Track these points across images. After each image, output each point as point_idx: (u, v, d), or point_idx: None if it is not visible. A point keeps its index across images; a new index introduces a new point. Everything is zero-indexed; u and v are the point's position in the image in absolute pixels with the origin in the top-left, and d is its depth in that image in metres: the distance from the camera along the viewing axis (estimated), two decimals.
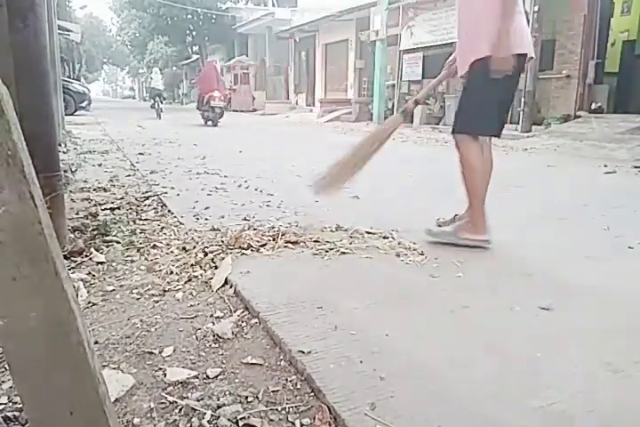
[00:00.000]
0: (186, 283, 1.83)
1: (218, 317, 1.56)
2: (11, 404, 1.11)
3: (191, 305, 1.65)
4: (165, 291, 1.76)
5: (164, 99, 16.32)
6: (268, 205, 3.03)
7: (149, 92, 16.11)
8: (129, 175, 4.17)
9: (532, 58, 2.18)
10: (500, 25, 1.98)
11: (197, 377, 1.22)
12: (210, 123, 11.10)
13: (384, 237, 2.35)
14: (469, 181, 2.19)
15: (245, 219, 2.68)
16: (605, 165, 5.11)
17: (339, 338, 1.39)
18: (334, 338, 1.39)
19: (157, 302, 1.68)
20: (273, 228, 2.44)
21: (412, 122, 11.57)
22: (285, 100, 19.85)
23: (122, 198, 3.13)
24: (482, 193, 2.22)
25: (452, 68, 2.34)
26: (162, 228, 2.48)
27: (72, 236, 2.20)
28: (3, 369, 1.24)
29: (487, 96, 2.14)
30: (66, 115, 9.29)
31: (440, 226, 2.44)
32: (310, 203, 3.09)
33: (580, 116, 8.60)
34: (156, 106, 13.73)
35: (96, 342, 1.38)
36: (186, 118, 13.96)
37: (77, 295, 1.68)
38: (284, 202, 3.11)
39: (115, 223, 2.44)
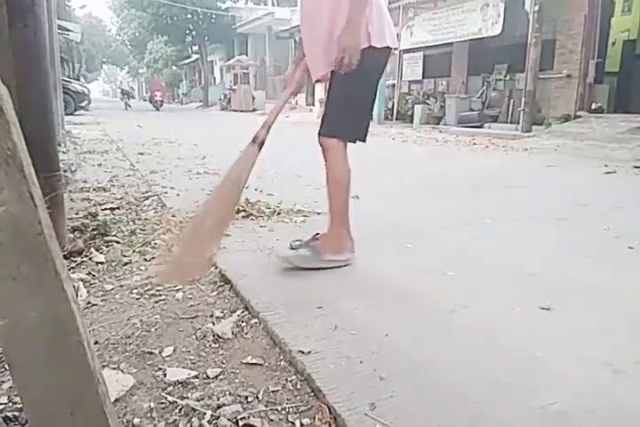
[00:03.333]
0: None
1: (218, 317, 1.56)
2: (11, 404, 1.11)
3: (191, 305, 1.65)
4: (165, 291, 1.76)
5: (131, 96, 24.71)
6: (268, 207, 3.03)
7: (121, 91, 25.50)
8: (129, 175, 4.17)
9: (395, 48, 1.93)
10: (351, 10, 1.71)
11: (197, 377, 1.22)
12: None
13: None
14: (340, 192, 1.96)
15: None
16: (606, 165, 5.10)
17: (339, 338, 1.39)
18: (334, 338, 1.39)
19: (157, 302, 1.68)
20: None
21: (412, 122, 11.57)
22: None
23: (122, 198, 3.13)
24: (347, 206, 1.97)
25: (296, 83, 1.99)
26: (161, 228, 2.48)
27: (72, 236, 2.20)
28: (3, 369, 1.24)
29: (363, 95, 1.91)
30: (66, 115, 9.29)
31: (294, 248, 2.03)
32: (310, 203, 3.09)
33: (580, 116, 8.59)
34: (125, 100, 22.90)
35: (96, 342, 1.38)
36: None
37: (77, 295, 1.68)
38: (283, 202, 3.10)
39: (115, 223, 2.44)
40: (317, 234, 2.04)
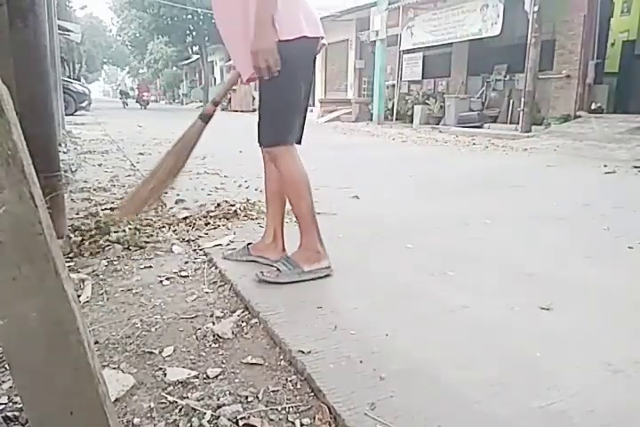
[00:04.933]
0: (186, 282, 1.83)
1: (218, 317, 1.56)
2: (11, 404, 1.11)
3: (191, 305, 1.65)
4: (166, 291, 1.76)
5: (129, 96, 27.81)
6: None
7: (119, 92, 29.11)
8: (129, 175, 4.17)
9: (323, 45, 1.81)
10: (258, 8, 1.59)
11: (197, 377, 1.22)
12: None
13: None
14: (303, 200, 1.80)
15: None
16: (605, 165, 5.11)
17: (339, 338, 1.39)
18: (334, 338, 1.39)
19: (157, 301, 1.68)
20: None
21: (411, 122, 11.57)
22: None
23: (122, 198, 3.13)
24: (313, 210, 1.82)
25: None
26: (161, 227, 2.48)
27: (72, 236, 2.20)
28: (3, 369, 1.24)
29: (290, 92, 1.73)
30: (66, 115, 9.29)
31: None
32: None
33: (579, 117, 8.60)
34: (123, 100, 26.07)
35: (96, 342, 1.38)
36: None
37: (82, 295, 1.68)
38: None
39: (115, 223, 2.43)
40: (250, 244, 2.02)
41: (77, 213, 2.67)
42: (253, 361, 1.29)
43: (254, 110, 19.32)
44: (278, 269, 1.79)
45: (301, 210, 1.81)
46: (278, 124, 1.76)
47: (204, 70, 25.86)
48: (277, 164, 1.78)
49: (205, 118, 1.90)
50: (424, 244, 2.32)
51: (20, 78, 1.85)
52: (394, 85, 12.77)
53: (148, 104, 24.83)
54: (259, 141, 1.79)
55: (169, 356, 1.33)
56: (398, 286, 1.80)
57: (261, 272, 1.80)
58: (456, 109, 10.41)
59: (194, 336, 1.44)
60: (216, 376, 1.23)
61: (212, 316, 1.57)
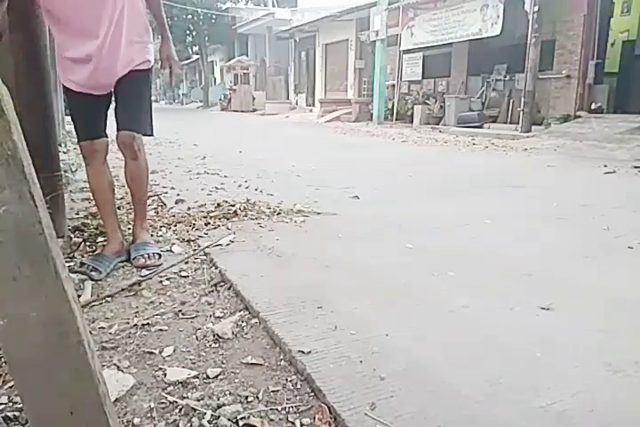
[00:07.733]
0: (186, 282, 1.83)
1: (218, 317, 1.56)
2: (11, 404, 1.11)
3: (191, 305, 1.65)
4: (166, 290, 1.76)
5: None
6: (268, 207, 3.03)
7: None
8: None
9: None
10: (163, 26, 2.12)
11: (197, 377, 1.22)
12: None
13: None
14: (146, 182, 2.15)
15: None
16: (605, 165, 5.10)
17: (339, 338, 1.39)
18: (334, 338, 1.39)
19: (157, 301, 1.67)
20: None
21: (412, 122, 11.57)
22: (285, 101, 19.83)
23: (122, 198, 3.13)
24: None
25: None
26: (161, 227, 2.48)
27: (72, 236, 2.20)
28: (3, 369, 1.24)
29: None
30: (66, 115, 9.28)
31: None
32: (310, 203, 3.09)
33: (579, 116, 8.59)
34: None
35: (96, 342, 1.38)
36: None
37: (82, 295, 1.68)
38: (283, 202, 3.11)
39: None
40: (95, 254, 2.04)
41: (77, 213, 2.67)
42: (253, 361, 1.29)
43: (254, 110, 19.34)
44: (159, 255, 2.02)
45: (145, 196, 2.16)
46: (150, 118, 2.04)
47: (204, 70, 25.84)
48: (139, 152, 2.01)
49: None
50: (424, 244, 2.32)
51: (20, 78, 1.85)
52: (394, 85, 12.76)
53: None
54: (137, 129, 1.98)
55: (169, 356, 1.33)
56: (398, 286, 1.80)
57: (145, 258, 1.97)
58: (456, 109, 10.40)
59: (194, 336, 1.44)
60: (216, 376, 1.23)
61: (211, 316, 1.57)
